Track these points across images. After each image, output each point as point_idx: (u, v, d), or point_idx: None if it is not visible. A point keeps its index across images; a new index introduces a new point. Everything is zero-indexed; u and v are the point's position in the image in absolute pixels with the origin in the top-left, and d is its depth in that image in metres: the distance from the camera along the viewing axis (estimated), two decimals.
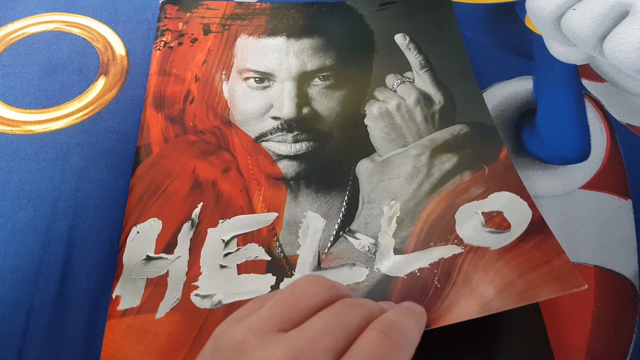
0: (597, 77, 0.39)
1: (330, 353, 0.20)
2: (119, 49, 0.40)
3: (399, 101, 0.36)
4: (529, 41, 0.41)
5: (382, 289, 0.29)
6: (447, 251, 0.29)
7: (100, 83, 0.38)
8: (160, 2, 0.43)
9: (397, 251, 0.30)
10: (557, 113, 0.37)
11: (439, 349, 0.28)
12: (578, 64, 0.39)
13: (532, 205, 0.30)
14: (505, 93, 0.38)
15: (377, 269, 0.30)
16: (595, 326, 0.29)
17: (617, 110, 0.37)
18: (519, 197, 0.31)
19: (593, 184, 0.34)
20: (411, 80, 0.38)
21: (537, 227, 0.29)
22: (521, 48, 0.41)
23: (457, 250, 0.29)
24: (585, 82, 0.38)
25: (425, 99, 0.37)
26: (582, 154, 0.35)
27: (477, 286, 0.27)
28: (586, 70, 0.39)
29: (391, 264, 0.30)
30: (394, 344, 0.21)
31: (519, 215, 0.30)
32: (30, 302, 0.29)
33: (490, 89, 0.38)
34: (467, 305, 0.26)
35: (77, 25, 0.41)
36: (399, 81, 0.38)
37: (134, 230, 0.31)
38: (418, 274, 0.29)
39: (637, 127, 0.36)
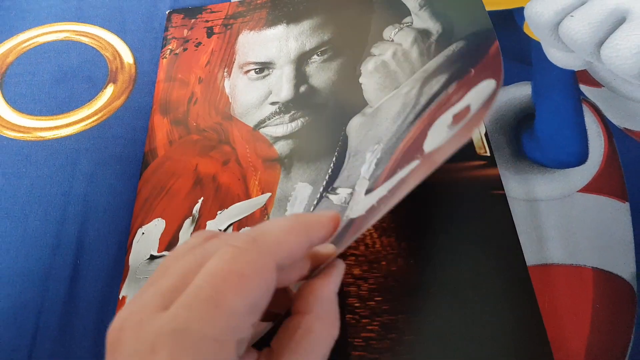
0: (594, 83, 0.39)
1: (167, 292, 0.18)
2: (127, 57, 0.41)
3: (395, 48, 0.35)
4: (528, 47, 0.41)
5: (341, 236, 0.26)
6: (406, 170, 0.25)
7: (109, 91, 0.39)
8: (167, 12, 0.44)
9: (368, 192, 0.29)
10: (556, 118, 0.37)
11: (438, 352, 0.28)
12: (576, 70, 0.40)
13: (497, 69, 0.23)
14: (504, 98, 0.38)
15: (347, 216, 0.28)
16: (593, 327, 0.29)
17: (614, 115, 0.37)
18: (492, 80, 0.24)
19: (591, 187, 0.34)
20: (409, 24, 0.36)
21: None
22: (520, 54, 0.41)
23: (415, 164, 0.24)
24: (583, 88, 0.39)
25: (422, 35, 0.35)
26: (580, 158, 0.35)
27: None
28: (584, 76, 0.39)
29: (359, 207, 0.28)
30: (239, 250, 0.19)
31: (483, 91, 0.24)
32: (41, 304, 0.30)
33: None
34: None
35: (87, 34, 0.42)
36: (396, 30, 0.36)
37: (140, 231, 0.32)
38: (376, 205, 0.25)
39: (634, 131, 0.36)
